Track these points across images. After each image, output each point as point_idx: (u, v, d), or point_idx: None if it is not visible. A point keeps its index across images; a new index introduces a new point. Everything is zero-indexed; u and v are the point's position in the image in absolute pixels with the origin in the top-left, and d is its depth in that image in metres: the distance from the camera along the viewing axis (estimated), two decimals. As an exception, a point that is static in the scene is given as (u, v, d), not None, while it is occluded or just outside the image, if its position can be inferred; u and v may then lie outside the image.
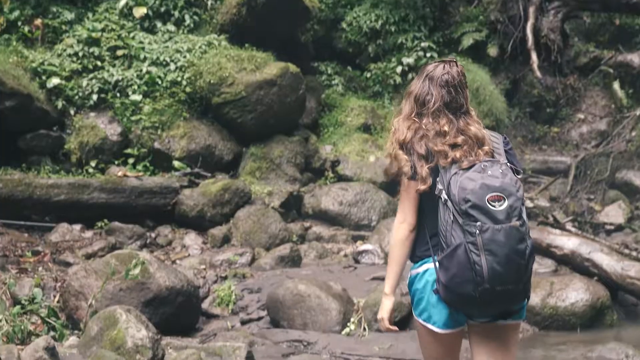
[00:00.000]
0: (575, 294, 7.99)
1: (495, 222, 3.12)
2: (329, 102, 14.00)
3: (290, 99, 12.32)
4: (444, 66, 3.51)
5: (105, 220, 10.42)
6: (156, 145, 11.71)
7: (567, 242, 8.81)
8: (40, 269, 8.36)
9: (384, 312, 3.60)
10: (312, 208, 11.79)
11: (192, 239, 10.60)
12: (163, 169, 11.67)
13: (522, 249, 3.15)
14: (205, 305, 8.26)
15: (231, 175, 12.18)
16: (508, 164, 3.35)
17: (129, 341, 5.69)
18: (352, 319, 7.42)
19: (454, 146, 3.34)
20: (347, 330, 7.29)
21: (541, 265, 11.18)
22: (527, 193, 13.48)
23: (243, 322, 7.94)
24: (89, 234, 10.15)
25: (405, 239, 3.45)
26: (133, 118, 11.76)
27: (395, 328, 3.69)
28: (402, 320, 7.15)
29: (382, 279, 8.63)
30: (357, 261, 10.05)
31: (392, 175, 3.53)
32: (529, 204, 12.41)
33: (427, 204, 3.41)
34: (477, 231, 3.11)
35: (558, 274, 10.50)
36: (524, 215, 3.25)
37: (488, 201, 3.13)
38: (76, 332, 6.84)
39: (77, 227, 10.21)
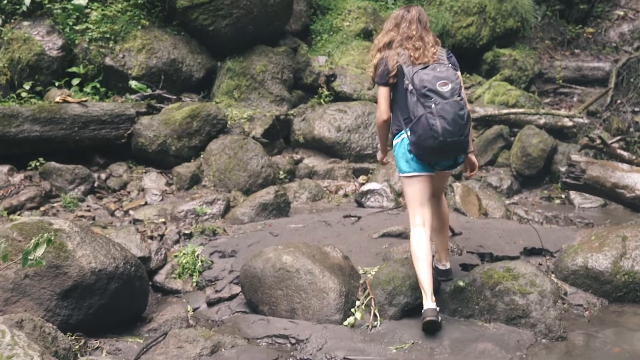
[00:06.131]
0: (659, 253, 5.81)
1: (444, 98, 4.93)
2: (321, 3, 12.14)
3: (274, 1, 10.09)
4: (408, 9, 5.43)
5: (41, 160, 8.30)
6: (107, 61, 9.62)
7: (640, 180, 6.61)
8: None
9: (379, 159, 5.70)
10: (303, 135, 9.70)
11: (152, 180, 8.49)
12: (118, 90, 9.57)
13: (462, 114, 4.95)
14: (161, 277, 6.23)
15: (203, 97, 10.03)
16: (449, 64, 5.15)
17: (14, 378, 3.62)
18: (357, 303, 5.34)
19: (415, 49, 5.15)
20: (350, 320, 5.21)
21: (587, 199, 9.23)
22: (558, 108, 11.41)
23: (210, 303, 5.88)
24: (17, 177, 8.01)
25: (381, 126, 5.29)
26: (77, 27, 9.81)
27: (389, 160, 5.78)
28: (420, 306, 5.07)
29: (395, 235, 6.55)
30: (360, 204, 8.01)
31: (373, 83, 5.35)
32: (568, 123, 10.37)
33: (397, 97, 5.16)
34: (433, 104, 4.91)
35: (612, 213, 8.52)
36: (462, 94, 5.03)
37: (438, 86, 4.94)
38: (-39, 342, 4.75)
39: (5, 168, 8.09)
